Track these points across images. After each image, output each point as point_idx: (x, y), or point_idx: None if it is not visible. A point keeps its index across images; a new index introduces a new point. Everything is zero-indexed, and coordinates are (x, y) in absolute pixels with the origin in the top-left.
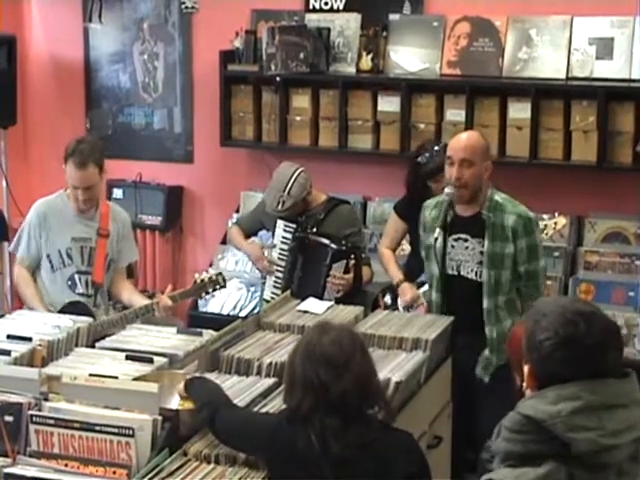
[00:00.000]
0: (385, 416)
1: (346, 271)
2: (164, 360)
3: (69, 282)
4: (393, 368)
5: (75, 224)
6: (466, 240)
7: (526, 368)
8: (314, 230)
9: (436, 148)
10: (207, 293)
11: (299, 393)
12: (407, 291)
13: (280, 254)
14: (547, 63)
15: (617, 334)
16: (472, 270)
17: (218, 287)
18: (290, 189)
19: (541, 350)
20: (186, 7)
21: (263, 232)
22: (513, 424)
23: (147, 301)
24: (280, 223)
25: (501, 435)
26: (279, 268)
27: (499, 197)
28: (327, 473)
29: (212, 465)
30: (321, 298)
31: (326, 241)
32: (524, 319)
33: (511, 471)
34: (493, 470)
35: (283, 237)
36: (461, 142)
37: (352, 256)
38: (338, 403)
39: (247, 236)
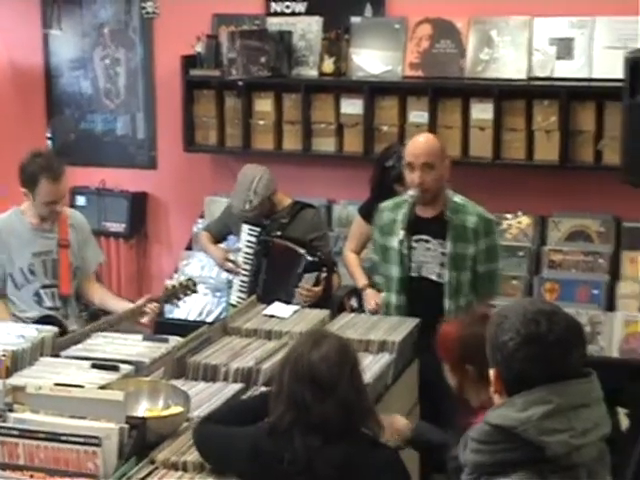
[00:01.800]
0: (373, 432)
1: (316, 283)
2: (130, 368)
3: (35, 298)
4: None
5: (34, 239)
6: (427, 241)
7: (492, 372)
8: (279, 234)
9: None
10: (178, 299)
11: (282, 406)
12: (371, 297)
13: (245, 258)
14: (508, 64)
15: (580, 331)
16: (434, 271)
17: (189, 292)
18: (256, 188)
19: (504, 351)
20: (147, 12)
21: (231, 237)
22: (480, 435)
23: (123, 302)
24: (245, 227)
25: (468, 447)
26: (244, 272)
27: (458, 198)
28: None
29: (180, 472)
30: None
31: (301, 250)
32: (458, 321)
33: None
34: None
35: (248, 241)
36: (420, 147)
37: (324, 269)
38: (319, 424)
39: (217, 241)
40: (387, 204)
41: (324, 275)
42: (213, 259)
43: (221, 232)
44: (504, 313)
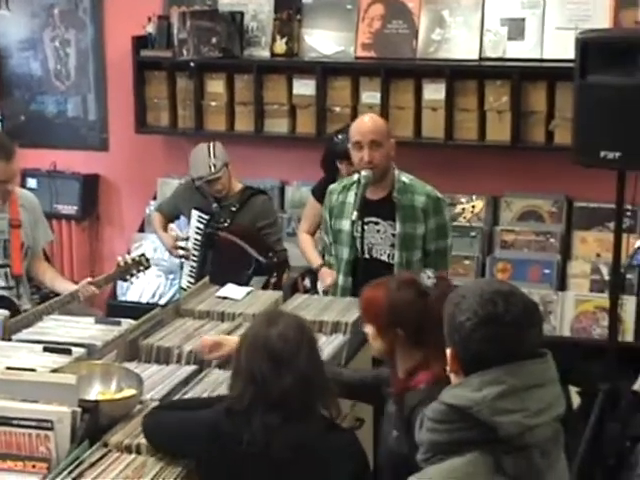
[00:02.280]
0: (331, 413)
1: (265, 286)
2: (82, 351)
3: None
4: None
5: None
6: (377, 223)
7: (448, 351)
8: (226, 224)
9: None
10: (132, 275)
11: (241, 384)
12: (327, 275)
13: (194, 244)
14: (460, 44)
15: (536, 312)
16: (385, 252)
17: (142, 268)
18: (214, 152)
19: (462, 331)
20: None
21: (183, 219)
22: (436, 414)
23: (71, 285)
24: (194, 213)
25: (424, 426)
26: (194, 258)
27: (406, 178)
28: (267, 471)
29: (133, 455)
30: None
31: (253, 252)
32: (383, 285)
33: (438, 468)
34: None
35: (197, 227)
36: (367, 125)
37: (275, 274)
38: (278, 400)
39: (168, 221)
40: (335, 186)
41: (274, 280)
42: (163, 245)
43: (172, 212)
44: (462, 293)
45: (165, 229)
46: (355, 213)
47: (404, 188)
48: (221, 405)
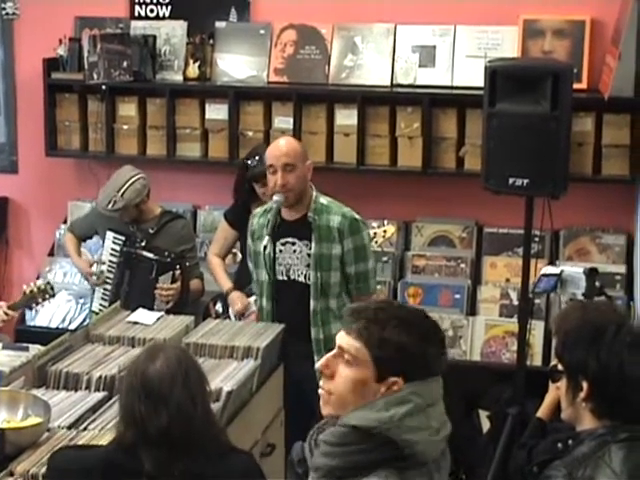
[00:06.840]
0: (219, 439)
1: (173, 281)
2: None
3: None
4: (224, 377)
5: None
6: (294, 244)
7: None
8: (142, 244)
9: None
10: (37, 303)
11: (122, 424)
12: (236, 300)
13: (109, 266)
14: (372, 70)
15: (436, 337)
16: (302, 273)
17: (47, 297)
18: (124, 192)
19: None
20: (7, 13)
21: (94, 244)
22: (333, 437)
23: None
24: (110, 235)
25: (319, 450)
26: (108, 280)
27: (324, 199)
28: None
29: None
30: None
31: (150, 255)
32: None
33: None
34: None
35: (112, 249)
36: (281, 148)
37: (177, 266)
38: (159, 438)
39: (81, 241)
40: (259, 210)
41: (178, 272)
42: (78, 270)
43: (85, 233)
44: None
45: (79, 251)
46: (267, 237)
47: (321, 209)
48: (112, 440)
